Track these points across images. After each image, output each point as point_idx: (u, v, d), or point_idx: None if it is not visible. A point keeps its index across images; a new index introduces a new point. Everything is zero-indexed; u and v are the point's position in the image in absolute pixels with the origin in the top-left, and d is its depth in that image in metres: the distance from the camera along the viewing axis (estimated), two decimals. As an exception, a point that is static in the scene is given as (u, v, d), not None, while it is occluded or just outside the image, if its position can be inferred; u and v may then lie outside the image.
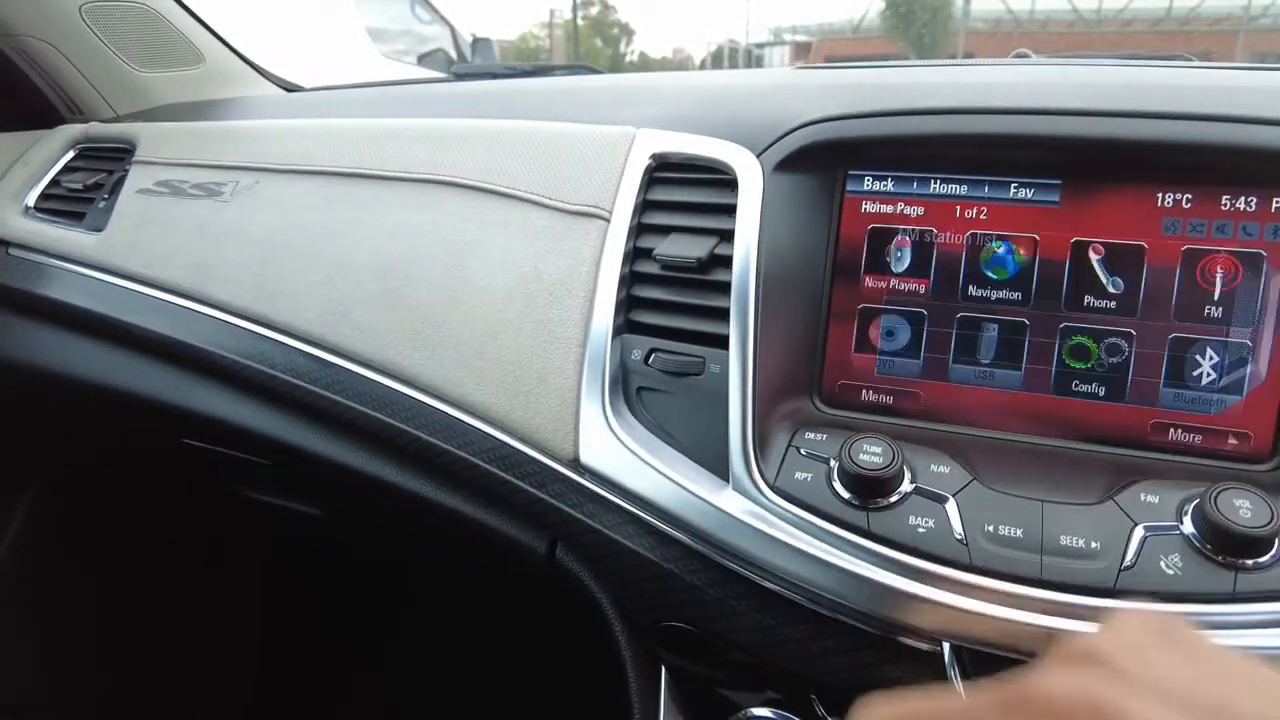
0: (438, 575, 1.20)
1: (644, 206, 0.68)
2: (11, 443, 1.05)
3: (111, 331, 0.86)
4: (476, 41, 3.00)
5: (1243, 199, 0.55)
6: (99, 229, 0.90)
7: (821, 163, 0.62)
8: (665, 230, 0.66)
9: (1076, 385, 0.57)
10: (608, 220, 0.67)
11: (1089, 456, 0.56)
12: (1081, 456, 0.56)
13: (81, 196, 0.95)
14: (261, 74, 1.20)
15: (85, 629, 1.14)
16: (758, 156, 0.63)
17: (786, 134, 0.63)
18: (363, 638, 1.34)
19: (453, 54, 3.48)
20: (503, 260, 0.70)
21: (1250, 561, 0.47)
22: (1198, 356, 0.56)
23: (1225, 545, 0.46)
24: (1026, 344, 0.58)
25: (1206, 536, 0.47)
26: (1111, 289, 0.57)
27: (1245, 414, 0.55)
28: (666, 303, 0.64)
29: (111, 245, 0.88)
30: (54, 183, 0.98)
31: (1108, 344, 0.57)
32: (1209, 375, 0.55)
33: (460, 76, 1.24)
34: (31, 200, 0.97)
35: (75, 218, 0.94)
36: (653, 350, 0.63)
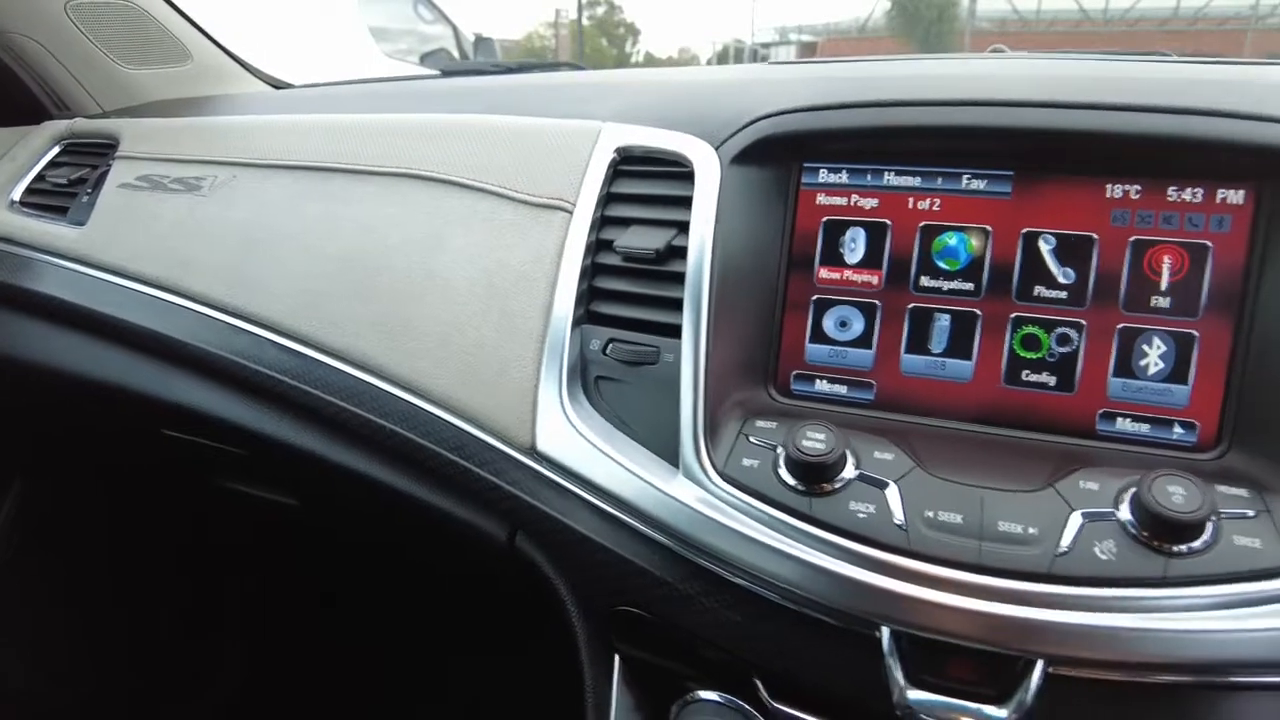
0: (408, 566, 1.21)
1: (607, 199, 0.68)
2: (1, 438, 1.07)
3: (92, 324, 0.88)
4: (479, 41, 3.01)
5: (1189, 190, 0.55)
6: (81, 223, 0.92)
7: (778, 155, 0.63)
8: (628, 223, 0.67)
9: (1027, 375, 0.58)
10: (571, 213, 0.68)
11: (1036, 445, 0.56)
12: (1029, 445, 0.56)
13: (65, 191, 0.96)
14: (250, 71, 1.21)
15: (74, 619, 1.16)
16: (716, 149, 0.64)
17: (743, 127, 0.63)
18: (339, 628, 1.35)
19: (455, 53, 3.50)
20: (468, 252, 0.71)
21: (1183, 547, 0.47)
22: (1145, 346, 0.56)
23: (1158, 530, 0.47)
24: (978, 334, 0.59)
25: (1141, 522, 0.48)
26: (1062, 279, 0.58)
27: (1192, 403, 0.55)
28: (626, 294, 0.65)
29: (93, 239, 0.90)
30: (39, 178, 0.99)
31: (1058, 334, 0.58)
32: (1156, 365, 0.56)
33: (447, 74, 1.25)
34: (17, 195, 0.98)
35: (59, 212, 0.95)
36: (611, 340, 0.64)
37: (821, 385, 0.62)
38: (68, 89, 1.05)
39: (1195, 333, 0.55)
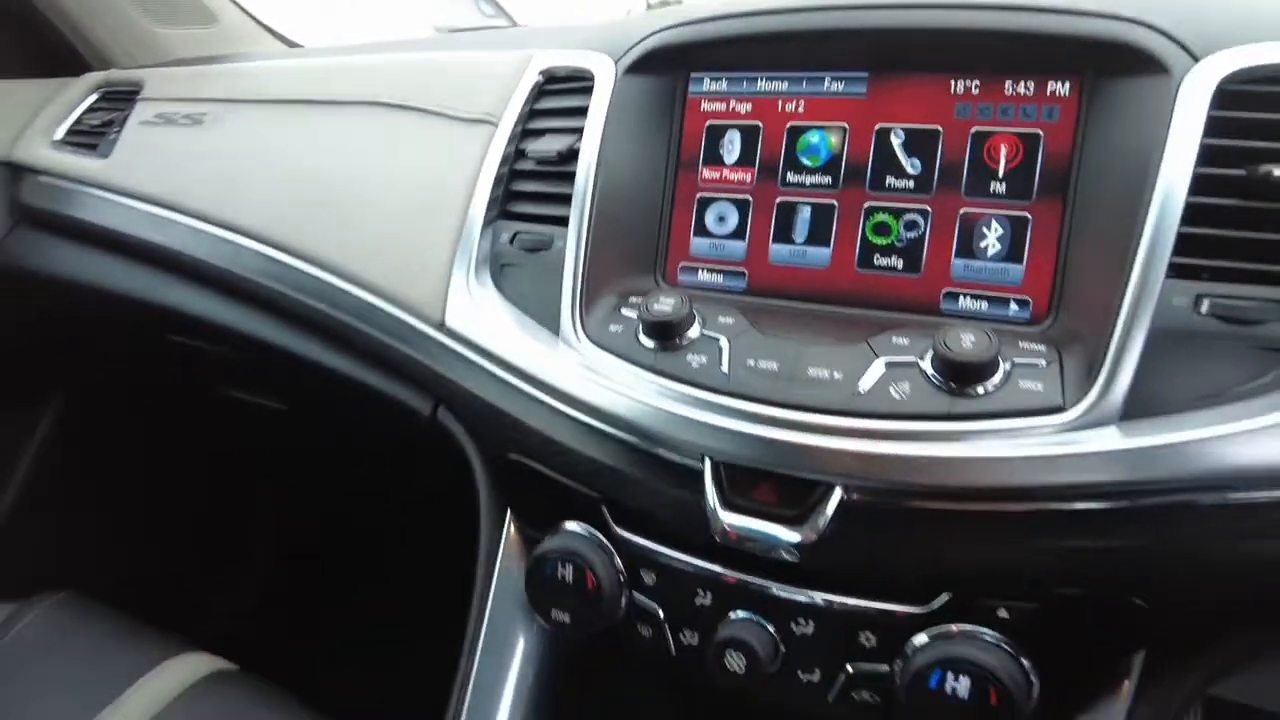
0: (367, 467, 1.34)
1: (531, 115, 0.76)
2: (41, 352, 1.21)
3: (110, 242, 1.00)
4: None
5: (1023, 84, 0.60)
6: (106, 156, 1.04)
7: (667, 66, 0.70)
8: (545, 134, 0.74)
9: (878, 259, 0.63)
10: (496, 125, 0.76)
11: (879, 320, 0.62)
12: (871, 320, 0.62)
13: (98, 131, 1.09)
14: (270, 33, 1.34)
15: (106, 514, 1.31)
16: (615, 63, 0.71)
17: (637, 42, 0.70)
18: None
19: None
20: (411, 164, 0.80)
21: (978, 389, 0.52)
22: (984, 229, 0.61)
23: (948, 372, 0.52)
24: (835, 224, 0.65)
25: (937, 369, 0.53)
26: (910, 170, 0.63)
27: (1025, 281, 0.60)
28: (533, 193, 0.72)
29: (114, 169, 1.02)
30: (78, 121, 1.13)
31: (906, 220, 0.63)
32: (994, 247, 0.61)
33: (453, 32, 1.35)
34: (59, 135, 1.12)
35: (91, 149, 1.08)
36: (517, 233, 0.72)
37: (702, 275, 0.69)
38: (106, 45, 1.18)
39: (1028, 215, 0.60)
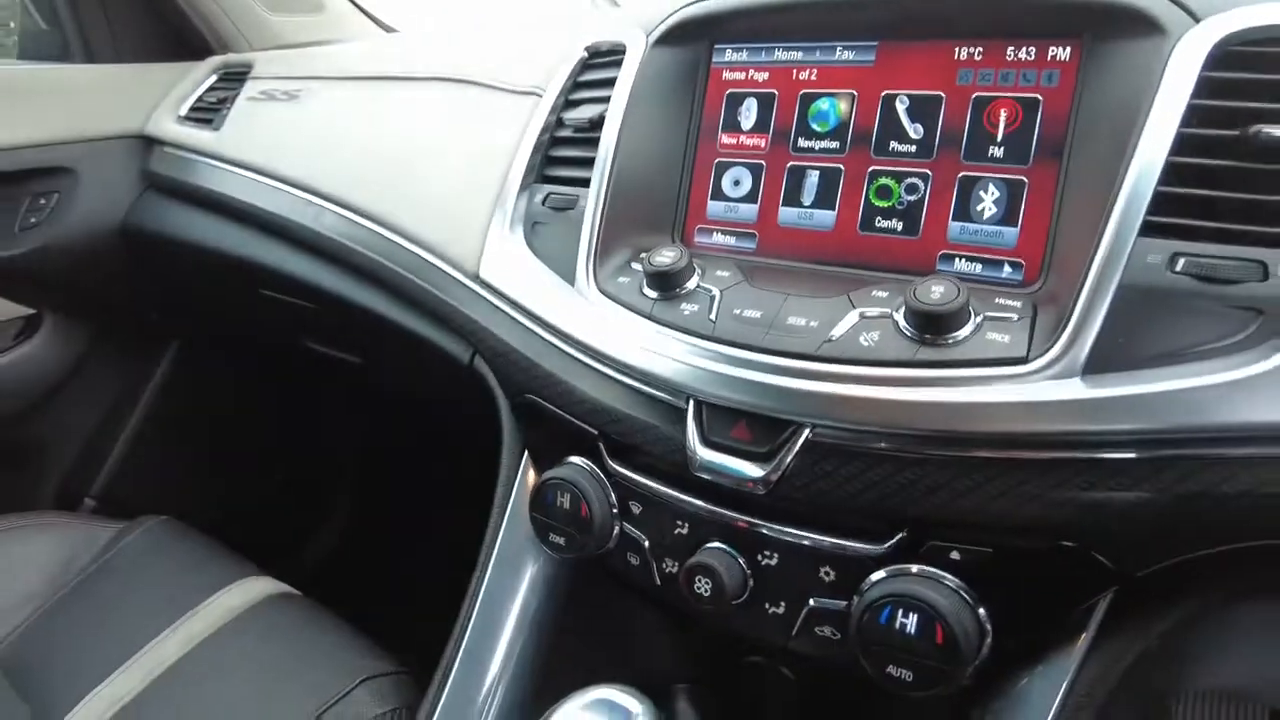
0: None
1: (574, 87, 0.82)
2: (161, 307, 1.37)
3: (216, 204, 1.13)
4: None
5: (1024, 49, 0.61)
6: (218, 129, 1.18)
7: (693, 37, 0.74)
8: (582, 104, 0.80)
9: (879, 221, 0.66)
10: (541, 97, 0.83)
11: (875, 280, 0.64)
12: (869, 280, 0.64)
13: (215, 107, 1.23)
14: (371, 19, 1.46)
15: (213, 449, 1.47)
16: (646, 35, 0.76)
17: (668, 15, 0.75)
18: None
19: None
20: (465, 133, 0.88)
21: (947, 338, 0.54)
22: (981, 193, 0.62)
23: (917, 322, 0.54)
24: (841, 187, 0.67)
25: (909, 320, 0.55)
26: (913, 134, 0.65)
27: (1020, 244, 0.61)
28: (566, 158, 0.78)
29: (223, 140, 1.15)
30: (200, 99, 1.27)
31: (907, 184, 0.65)
32: (990, 210, 0.62)
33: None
34: (183, 111, 1.27)
35: (208, 123, 1.22)
36: (549, 194, 0.77)
37: (717, 237, 0.73)
38: (227, 31, 1.33)
39: (1025, 179, 0.61)
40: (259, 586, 1.00)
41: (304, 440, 1.64)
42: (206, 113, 1.24)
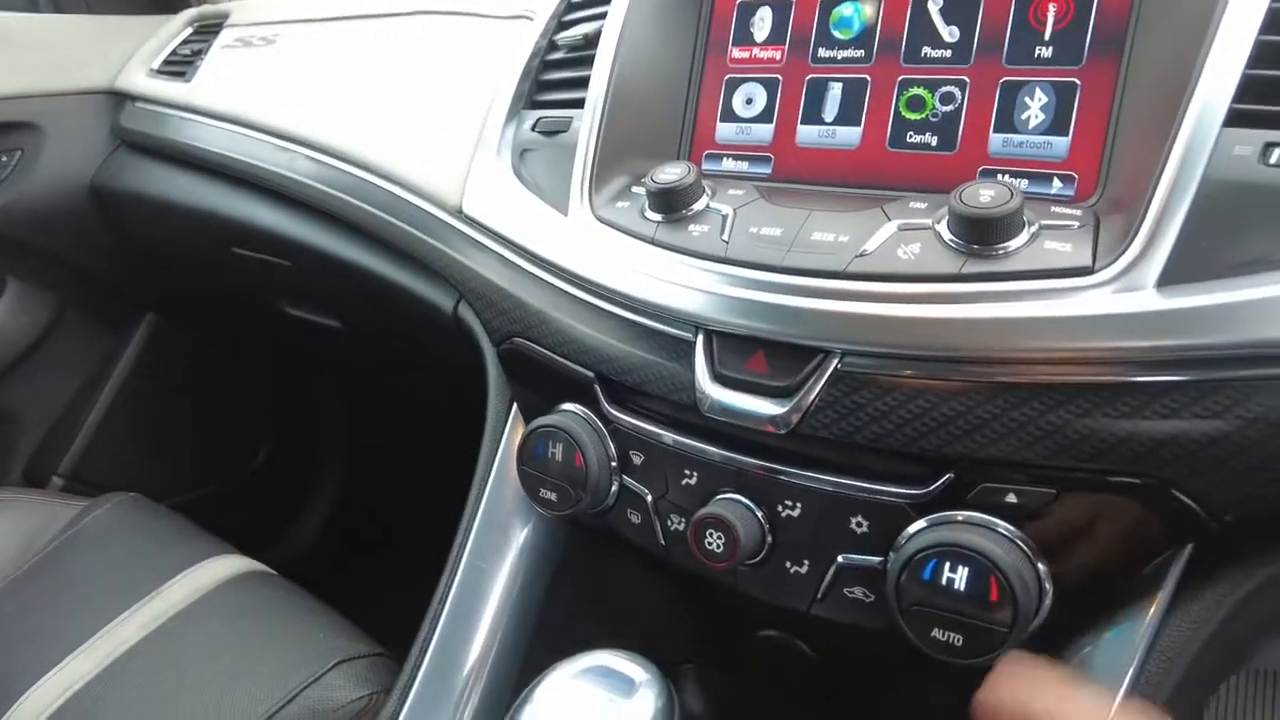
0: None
1: (568, 8, 0.75)
2: (134, 275, 1.30)
3: (188, 157, 1.06)
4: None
5: (1078, -67, 0.53)
6: (189, 80, 1.10)
7: (701, -54, 0.67)
8: (576, 23, 0.73)
9: (911, 136, 0.58)
10: (532, 20, 0.75)
11: (902, 198, 0.57)
12: (894, 198, 0.57)
13: (187, 60, 1.16)
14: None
15: (191, 428, 1.39)
16: (650, -53, 0.68)
17: (672, -77, 0.67)
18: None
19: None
20: (447, 64, 0.81)
21: (998, 248, 0.47)
22: (1027, 99, 0.55)
23: (964, 231, 0.47)
24: (867, 101, 0.60)
25: (953, 229, 0.48)
26: (948, 38, 0.57)
27: (1071, 155, 0.53)
28: (558, 80, 0.71)
29: (195, 90, 1.08)
30: (173, 52, 1.20)
31: (942, 93, 0.57)
32: (1037, 117, 0.55)
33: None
34: (156, 65, 1.19)
35: (180, 75, 1.15)
36: (540, 118, 0.70)
37: (727, 163, 0.65)
38: (202, -17, 1.25)
39: (1077, 81, 0.53)
40: (230, 564, 0.92)
41: (286, 420, 1.56)
42: (180, 65, 1.17)
